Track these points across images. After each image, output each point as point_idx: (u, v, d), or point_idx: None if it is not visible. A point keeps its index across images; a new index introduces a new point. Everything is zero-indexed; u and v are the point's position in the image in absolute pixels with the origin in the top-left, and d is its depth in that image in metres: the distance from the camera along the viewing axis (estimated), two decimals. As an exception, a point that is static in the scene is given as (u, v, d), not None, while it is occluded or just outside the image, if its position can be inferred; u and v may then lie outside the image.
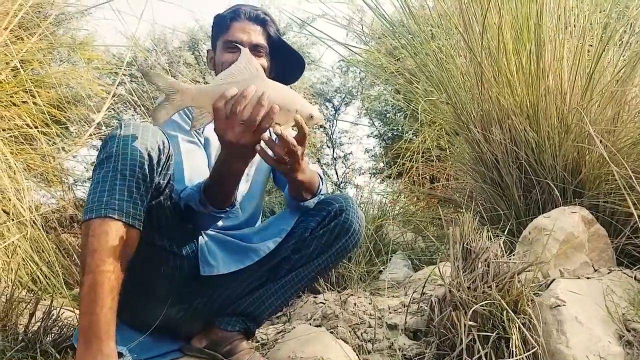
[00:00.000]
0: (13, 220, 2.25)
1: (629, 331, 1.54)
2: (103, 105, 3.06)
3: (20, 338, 1.55)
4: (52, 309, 1.63)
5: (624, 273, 1.85)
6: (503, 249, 1.72)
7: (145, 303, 1.53)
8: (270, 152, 1.36)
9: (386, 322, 1.91)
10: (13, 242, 2.13)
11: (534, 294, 1.63)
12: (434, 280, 2.17)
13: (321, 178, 1.72)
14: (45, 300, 1.78)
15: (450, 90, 2.79)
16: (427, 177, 4.32)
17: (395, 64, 3.78)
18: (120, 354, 1.22)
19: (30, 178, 2.73)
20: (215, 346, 1.63)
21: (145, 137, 1.29)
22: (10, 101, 2.71)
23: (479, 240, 1.71)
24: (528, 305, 1.57)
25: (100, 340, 1.13)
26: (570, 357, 1.44)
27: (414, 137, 4.41)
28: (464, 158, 3.12)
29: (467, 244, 1.71)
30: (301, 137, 1.35)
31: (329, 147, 7.64)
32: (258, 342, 1.93)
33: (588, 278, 1.83)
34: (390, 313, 2.01)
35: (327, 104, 7.69)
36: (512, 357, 1.44)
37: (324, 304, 2.20)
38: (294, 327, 1.93)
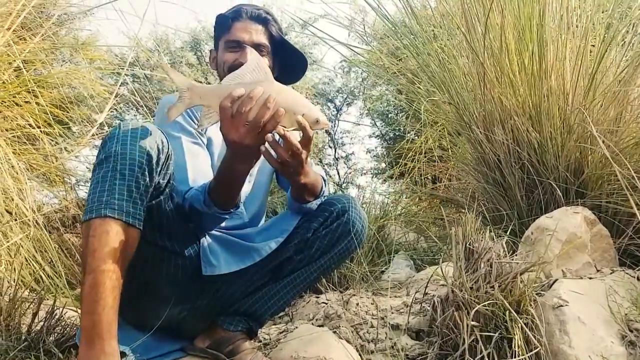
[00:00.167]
0: (16, 220, 2.25)
1: (631, 331, 1.53)
2: (105, 105, 3.06)
3: (23, 338, 1.56)
4: (55, 308, 1.64)
5: (627, 273, 1.84)
6: (505, 249, 1.72)
7: (148, 303, 1.53)
8: (274, 154, 1.36)
9: (389, 322, 1.91)
10: (16, 242, 2.14)
11: (536, 294, 1.63)
12: (436, 281, 2.17)
13: (324, 180, 1.72)
14: (48, 299, 1.77)
15: (453, 90, 2.79)
16: (429, 177, 4.32)
17: (397, 64, 3.78)
18: (122, 354, 1.22)
19: (32, 178, 2.73)
20: (218, 346, 1.63)
21: (144, 136, 1.30)
22: (13, 101, 2.71)
23: (481, 240, 1.71)
24: (531, 305, 1.57)
25: (102, 339, 1.13)
26: (573, 357, 1.44)
27: (416, 137, 4.41)
28: (466, 158, 3.12)
29: (469, 244, 1.71)
30: (306, 141, 1.35)
31: (330, 147, 7.65)
32: (260, 342, 1.93)
33: (590, 278, 1.83)
34: (392, 313, 2.01)
35: (329, 104, 7.70)
36: (515, 357, 1.44)
37: (327, 304, 2.20)
38: (297, 327, 1.93)
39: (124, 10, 3.18)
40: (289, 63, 1.88)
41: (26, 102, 2.78)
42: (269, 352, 1.76)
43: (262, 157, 1.40)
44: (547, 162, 2.37)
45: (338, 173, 7.62)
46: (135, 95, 3.76)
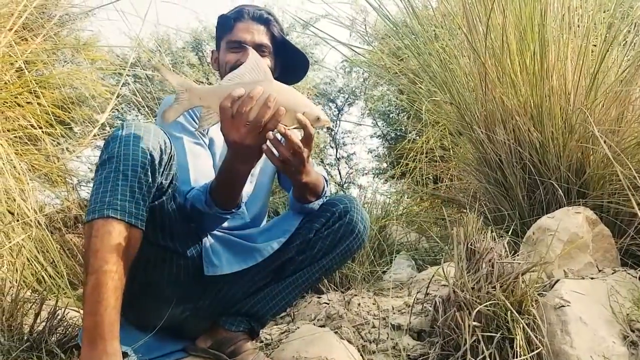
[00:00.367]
0: (18, 220, 2.25)
1: (633, 331, 1.53)
2: (107, 105, 3.07)
3: (25, 338, 1.56)
4: (57, 309, 1.64)
5: (628, 273, 1.84)
6: (507, 250, 1.72)
7: (150, 303, 1.53)
8: (276, 153, 1.36)
9: (390, 323, 1.91)
10: (18, 242, 2.14)
11: (538, 295, 1.63)
12: (437, 281, 2.17)
13: (326, 180, 1.72)
14: (50, 300, 1.78)
15: (454, 90, 2.79)
16: (431, 177, 4.32)
17: (398, 64, 3.78)
18: (124, 354, 1.22)
19: (34, 178, 2.73)
20: (220, 346, 1.63)
21: (147, 137, 1.30)
22: (15, 102, 2.72)
23: (483, 240, 1.71)
24: (532, 305, 1.57)
25: (104, 340, 1.13)
26: (575, 357, 1.44)
27: (418, 137, 4.41)
28: (468, 158, 3.12)
29: (471, 245, 1.71)
30: (307, 139, 1.35)
31: (332, 147, 7.65)
32: (262, 342, 1.93)
33: (592, 278, 1.83)
34: (394, 313, 2.01)
35: (330, 104, 7.69)
36: (517, 357, 1.44)
37: (328, 304, 2.20)
38: (298, 328, 1.93)
39: (126, 11, 3.18)
40: (290, 63, 1.89)
41: (28, 102, 2.78)
42: (271, 352, 1.76)
43: (263, 157, 1.41)
44: (548, 162, 2.37)
45: (339, 173, 7.62)
46: (136, 96, 3.77)
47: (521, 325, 1.49)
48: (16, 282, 1.88)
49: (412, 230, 3.47)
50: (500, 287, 1.58)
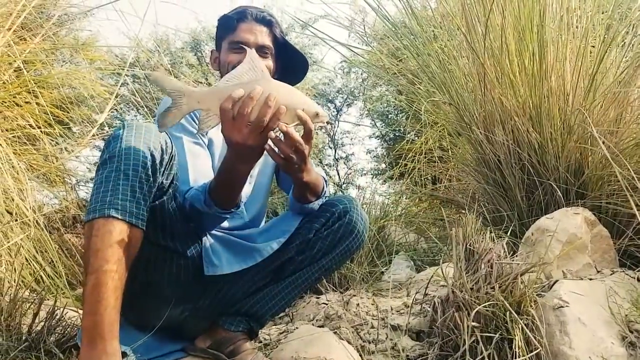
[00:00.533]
0: (16, 220, 2.25)
1: (632, 332, 1.53)
2: (106, 105, 3.06)
3: (24, 338, 1.55)
4: (56, 308, 1.63)
5: (627, 274, 1.85)
6: (506, 250, 1.72)
7: (150, 303, 1.53)
8: (277, 151, 1.36)
9: (389, 323, 1.91)
10: (16, 242, 2.14)
11: (536, 295, 1.63)
12: (436, 281, 2.17)
13: (325, 181, 1.72)
14: (48, 300, 1.77)
15: (453, 91, 2.79)
16: (430, 178, 4.32)
17: (397, 65, 3.78)
18: (124, 354, 1.22)
19: (33, 178, 2.73)
20: (219, 346, 1.63)
21: (148, 137, 1.30)
22: (13, 101, 2.71)
23: (481, 241, 1.71)
24: (531, 306, 1.57)
25: (104, 340, 1.13)
26: (573, 358, 1.44)
27: (416, 138, 4.41)
28: (467, 159, 3.12)
29: (469, 245, 1.71)
30: (307, 135, 1.35)
31: (331, 147, 7.66)
32: (261, 342, 1.93)
33: (591, 279, 1.83)
34: (393, 314, 2.01)
35: (329, 104, 7.70)
36: (515, 358, 1.44)
37: (327, 304, 2.20)
38: (297, 328, 1.93)
39: (125, 11, 3.18)
40: (290, 64, 1.89)
41: (26, 102, 2.78)
42: (270, 352, 1.76)
43: (262, 158, 1.40)
44: (547, 163, 2.38)
45: (338, 174, 7.63)
46: (135, 96, 3.76)
47: (520, 326, 1.49)
48: (15, 281, 1.88)
49: (410, 230, 3.47)
50: (499, 287, 1.58)
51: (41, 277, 2.18)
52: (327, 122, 1.39)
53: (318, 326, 2.02)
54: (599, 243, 2.03)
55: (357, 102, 7.78)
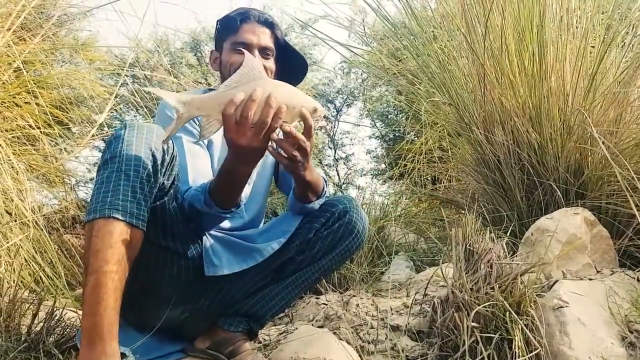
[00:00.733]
0: (16, 221, 2.25)
1: (631, 332, 1.53)
2: (105, 106, 3.06)
3: (23, 339, 1.55)
4: (55, 309, 1.63)
5: (627, 274, 1.84)
6: (505, 250, 1.72)
7: (150, 303, 1.53)
8: (281, 151, 1.36)
9: (388, 323, 1.91)
10: (16, 242, 2.14)
11: (536, 295, 1.63)
12: (436, 282, 2.17)
13: (325, 181, 1.72)
14: (47, 300, 1.77)
15: (453, 91, 2.79)
16: (429, 178, 4.32)
17: (397, 65, 3.78)
18: (123, 355, 1.22)
19: (32, 179, 2.73)
20: (218, 347, 1.63)
21: (150, 137, 1.30)
22: (13, 102, 2.71)
23: (481, 241, 1.71)
24: (531, 306, 1.57)
25: (103, 340, 1.13)
26: (573, 358, 1.44)
27: (416, 138, 4.41)
28: (466, 159, 3.12)
29: (469, 245, 1.71)
30: (308, 131, 1.35)
31: (330, 148, 7.65)
32: (260, 343, 1.93)
33: (590, 279, 1.83)
34: (392, 314, 2.01)
35: (329, 105, 7.70)
36: (515, 358, 1.44)
37: (326, 305, 2.20)
38: (297, 328, 1.93)
39: (124, 11, 3.18)
40: (290, 66, 1.90)
41: (26, 102, 2.78)
42: (269, 353, 1.76)
43: (261, 159, 1.40)
44: (547, 163, 2.37)
45: (338, 174, 7.62)
46: (135, 96, 3.76)
47: (520, 326, 1.49)
48: (14, 282, 1.88)
49: (410, 231, 3.47)
50: (499, 288, 1.58)
51: (40, 277, 2.18)
52: (324, 117, 1.40)
53: (317, 327, 2.02)
54: (599, 243, 2.03)
55: (357, 103, 7.78)
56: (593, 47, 2.38)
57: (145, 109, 3.79)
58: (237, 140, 1.27)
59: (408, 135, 4.99)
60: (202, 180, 1.54)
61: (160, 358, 1.58)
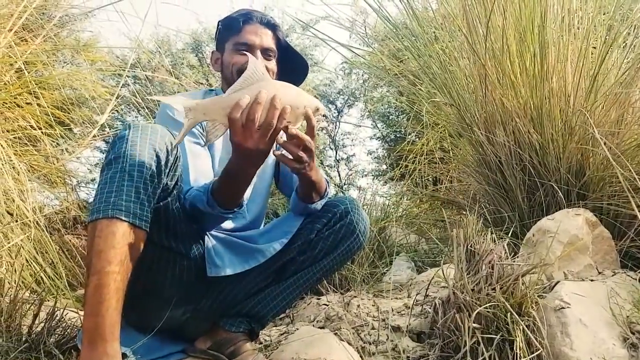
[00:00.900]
0: (17, 221, 2.25)
1: (633, 333, 1.53)
2: (107, 106, 3.06)
3: (23, 339, 1.55)
4: (56, 310, 1.63)
5: (628, 275, 1.84)
6: (507, 251, 1.72)
7: (152, 304, 1.53)
8: (288, 155, 1.37)
9: (390, 324, 1.90)
10: (17, 243, 2.14)
11: (538, 296, 1.63)
12: (437, 282, 2.16)
13: (327, 181, 1.73)
14: (48, 301, 1.77)
15: (454, 92, 2.79)
16: (430, 179, 4.32)
17: (398, 66, 3.78)
18: (124, 355, 1.22)
19: (33, 179, 2.73)
20: (219, 347, 1.63)
21: (154, 138, 1.30)
22: (14, 102, 2.72)
23: (482, 242, 1.71)
24: (532, 307, 1.57)
25: (105, 341, 1.13)
26: (575, 359, 1.43)
27: (417, 139, 4.40)
28: (468, 160, 3.12)
29: (470, 246, 1.71)
30: (311, 130, 1.36)
31: (331, 149, 7.66)
32: (261, 343, 1.93)
33: (592, 280, 1.83)
34: (393, 315, 2.01)
35: (330, 105, 7.70)
36: (517, 359, 1.44)
37: (327, 305, 2.20)
38: (297, 329, 1.93)
39: (126, 12, 3.18)
40: (290, 67, 1.90)
41: (27, 103, 2.78)
42: (270, 353, 1.76)
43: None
44: (548, 164, 2.37)
45: (339, 175, 7.63)
46: (136, 97, 3.77)
47: (521, 327, 1.49)
48: (15, 282, 1.88)
49: (411, 231, 3.47)
50: (500, 288, 1.58)
51: (41, 278, 2.18)
52: (324, 116, 1.41)
53: (318, 327, 2.01)
54: (601, 244, 2.03)
55: (358, 103, 7.79)
56: (594, 47, 2.37)
57: (146, 110, 3.80)
58: (244, 143, 1.27)
59: (409, 136, 4.98)
60: (204, 180, 1.54)
61: (161, 358, 1.58)
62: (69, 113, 3.21)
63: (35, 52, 2.94)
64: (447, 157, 3.78)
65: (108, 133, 3.47)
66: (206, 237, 1.62)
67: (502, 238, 1.87)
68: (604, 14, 2.51)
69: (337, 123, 7.74)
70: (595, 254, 2.00)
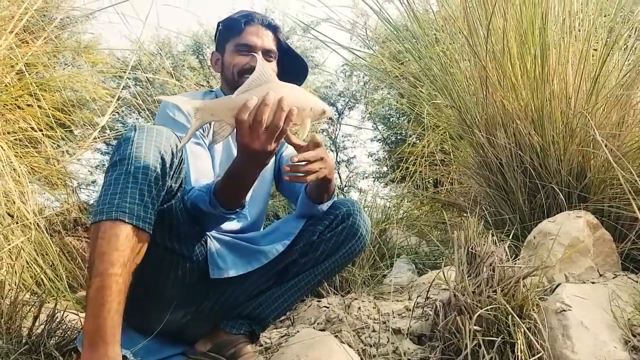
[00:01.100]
0: (17, 223, 2.25)
1: (634, 336, 1.52)
2: (107, 108, 3.07)
3: (24, 341, 1.55)
4: (56, 311, 1.63)
5: (630, 278, 1.84)
6: (508, 254, 1.72)
7: (153, 306, 1.53)
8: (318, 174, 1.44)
9: (390, 327, 1.90)
10: (17, 244, 2.14)
11: (539, 299, 1.62)
12: (438, 285, 2.16)
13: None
14: (49, 303, 1.77)
15: (455, 94, 2.79)
16: (431, 181, 4.32)
17: (399, 68, 3.78)
18: (124, 357, 1.21)
19: (34, 181, 2.73)
20: (220, 349, 1.63)
21: (159, 140, 1.29)
22: (15, 104, 2.72)
23: (483, 244, 1.70)
24: (533, 309, 1.57)
25: (106, 343, 1.12)
26: (576, 362, 1.43)
27: (418, 141, 4.40)
28: (468, 162, 3.12)
29: (471, 248, 1.70)
30: (315, 144, 1.43)
31: (332, 150, 7.65)
32: (261, 345, 1.93)
33: (593, 283, 1.82)
34: (394, 317, 2.00)
35: (330, 107, 7.69)
36: (518, 362, 1.44)
37: (328, 308, 2.19)
38: (298, 331, 1.93)
39: (126, 14, 3.19)
40: (290, 69, 1.90)
41: (28, 105, 2.79)
42: (270, 356, 1.75)
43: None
44: (549, 166, 2.37)
45: (340, 177, 7.62)
46: (137, 99, 3.77)
47: (522, 330, 1.48)
48: (15, 284, 1.87)
49: (412, 234, 3.47)
50: (501, 291, 1.57)
51: (42, 280, 2.18)
52: (330, 119, 1.43)
53: (319, 330, 2.01)
54: (602, 246, 2.03)
55: (359, 105, 7.78)
56: (595, 49, 2.37)
57: (147, 112, 3.80)
58: (251, 145, 1.27)
59: (410, 138, 4.98)
60: (205, 181, 1.54)
61: (161, 361, 1.58)
62: (69, 115, 3.22)
63: (36, 54, 2.94)
64: (448, 159, 3.78)
65: (109, 135, 3.47)
66: (208, 239, 1.62)
67: (503, 240, 1.86)
68: (605, 16, 2.51)
69: (338, 125, 7.74)
70: (596, 256, 1.99)
